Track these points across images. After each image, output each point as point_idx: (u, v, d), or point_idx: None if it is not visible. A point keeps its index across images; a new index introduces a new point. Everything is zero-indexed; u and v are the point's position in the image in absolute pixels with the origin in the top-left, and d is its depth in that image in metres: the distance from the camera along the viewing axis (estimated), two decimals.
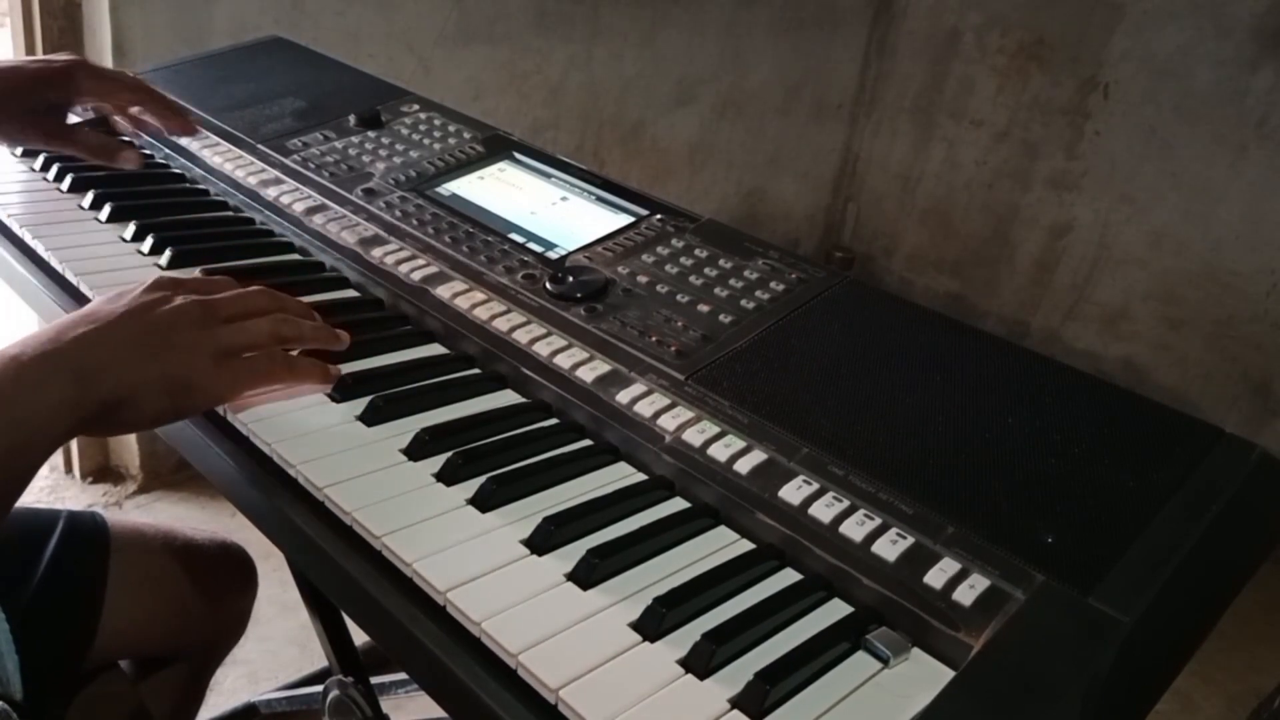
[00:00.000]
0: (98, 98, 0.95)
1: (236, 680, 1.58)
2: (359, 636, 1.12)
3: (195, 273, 0.78)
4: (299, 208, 0.91)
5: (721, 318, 0.74)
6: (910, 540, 0.56)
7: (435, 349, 0.77)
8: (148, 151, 1.05)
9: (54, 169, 0.97)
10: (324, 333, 0.70)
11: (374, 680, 1.13)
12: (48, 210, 0.92)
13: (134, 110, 0.95)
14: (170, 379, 0.60)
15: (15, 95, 0.90)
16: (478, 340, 0.75)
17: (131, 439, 1.95)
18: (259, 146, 1.01)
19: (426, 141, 1.02)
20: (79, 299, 0.80)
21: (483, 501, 0.60)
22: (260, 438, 0.64)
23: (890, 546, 0.56)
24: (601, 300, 0.77)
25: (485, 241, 0.85)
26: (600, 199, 0.92)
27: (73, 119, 0.99)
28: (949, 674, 0.51)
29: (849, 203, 3.30)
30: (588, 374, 0.70)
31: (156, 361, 0.59)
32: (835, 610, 0.55)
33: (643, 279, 0.80)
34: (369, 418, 0.66)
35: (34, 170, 0.99)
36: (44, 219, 0.89)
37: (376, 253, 0.84)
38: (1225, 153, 2.47)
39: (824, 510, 0.58)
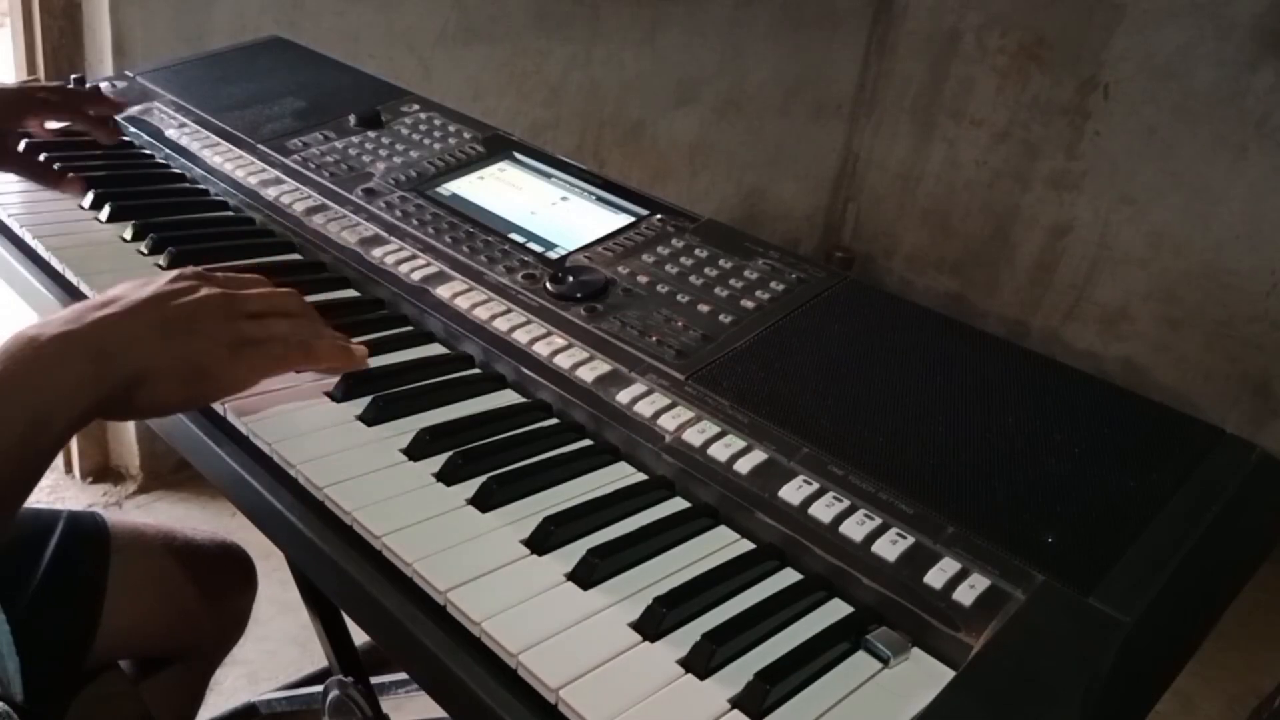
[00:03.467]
0: (46, 116, 0.98)
1: (236, 680, 1.58)
2: (359, 636, 1.12)
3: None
4: (299, 208, 0.91)
5: (721, 318, 0.74)
6: (910, 540, 0.56)
7: (435, 349, 0.77)
8: (147, 152, 1.05)
9: (55, 169, 0.97)
10: (342, 351, 0.70)
11: (374, 680, 1.13)
12: (48, 210, 0.92)
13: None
14: (187, 364, 0.61)
15: None
16: (478, 340, 0.75)
17: (132, 439, 1.95)
18: (259, 146, 1.01)
19: (426, 141, 1.02)
20: (79, 299, 0.80)
21: (483, 501, 0.60)
22: (260, 438, 0.64)
23: (890, 546, 0.56)
24: (601, 300, 0.77)
25: (485, 241, 0.85)
26: (600, 199, 0.92)
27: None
28: (949, 674, 0.51)
29: (849, 203, 3.30)
30: (588, 374, 0.70)
31: (174, 346, 0.60)
32: (835, 610, 0.55)
33: (643, 279, 0.80)
34: (369, 418, 0.66)
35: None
36: (44, 219, 0.89)
37: (376, 253, 0.84)
38: (1225, 153, 2.47)
39: (824, 510, 0.58)
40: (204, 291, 0.64)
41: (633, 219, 0.88)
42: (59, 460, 2.01)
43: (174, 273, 0.65)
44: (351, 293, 0.84)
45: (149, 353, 0.59)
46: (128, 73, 1.19)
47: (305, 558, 0.61)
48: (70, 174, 0.96)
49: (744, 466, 0.62)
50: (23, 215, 0.89)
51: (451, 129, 1.04)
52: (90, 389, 0.56)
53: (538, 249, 0.85)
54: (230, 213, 0.95)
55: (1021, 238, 2.90)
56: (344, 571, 0.56)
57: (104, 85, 1.15)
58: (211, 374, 0.62)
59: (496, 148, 1.00)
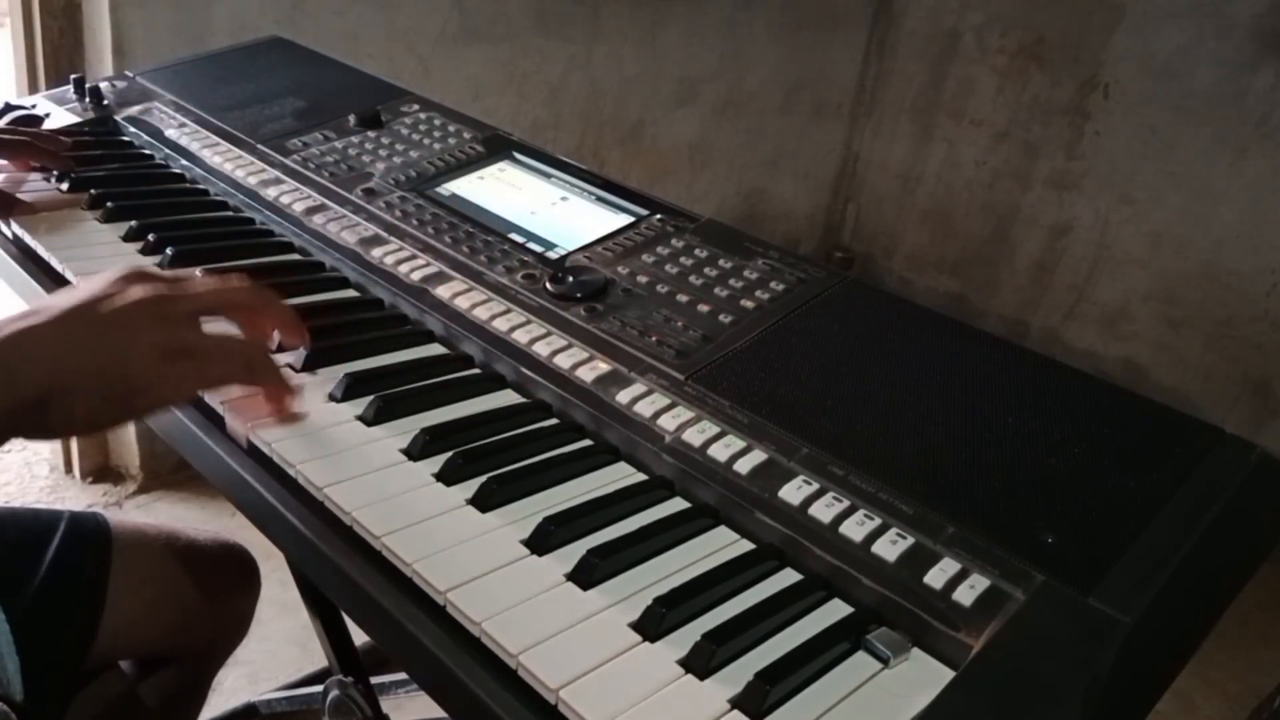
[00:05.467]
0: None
1: (236, 680, 1.58)
2: (359, 636, 1.12)
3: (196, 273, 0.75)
4: (299, 208, 0.91)
5: (721, 318, 0.74)
6: (910, 540, 0.56)
7: (435, 349, 0.77)
8: (147, 152, 1.05)
9: (25, 139, 0.97)
10: (281, 384, 0.64)
11: (374, 680, 1.13)
12: (47, 210, 0.91)
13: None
14: (106, 377, 0.54)
15: None
16: (478, 340, 0.75)
17: (132, 439, 1.95)
18: (259, 146, 1.01)
19: (426, 141, 1.02)
20: None
21: (483, 501, 0.60)
22: (260, 438, 0.63)
23: (890, 546, 0.56)
24: (601, 300, 0.77)
25: (485, 241, 0.85)
26: (600, 199, 0.92)
27: None
28: (949, 674, 0.51)
29: (849, 203, 3.30)
30: (588, 374, 0.70)
31: (93, 357, 0.54)
32: (835, 610, 0.55)
33: (643, 279, 0.80)
34: (369, 418, 0.66)
35: (33, 167, 0.99)
36: (43, 219, 0.89)
37: (376, 253, 0.84)
38: (1225, 153, 2.47)
39: (824, 510, 0.58)
40: (139, 292, 0.57)
41: (632, 219, 0.88)
42: (59, 460, 2.01)
43: (113, 272, 0.59)
44: (351, 293, 0.84)
45: (60, 367, 0.53)
46: (128, 73, 1.19)
47: (305, 558, 0.61)
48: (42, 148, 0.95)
49: (744, 466, 0.62)
50: (22, 215, 0.89)
51: (451, 129, 1.04)
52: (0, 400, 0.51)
53: (537, 249, 0.85)
54: (230, 213, 0.95)
55: (1021, 238, 2.90)
56: (344, 571, 0.56)
57: (104, 85, 1.15)
58: (137, 387, 0.55)
59: (496, 148, 1.00)
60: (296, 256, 0.89)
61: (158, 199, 0.97)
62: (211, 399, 0.66)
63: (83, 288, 0.58)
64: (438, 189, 0.94)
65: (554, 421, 0.70)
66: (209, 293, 0.61)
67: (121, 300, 0.57)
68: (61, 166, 0.96)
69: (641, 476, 0.65)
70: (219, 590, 1.02)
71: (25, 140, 0.96)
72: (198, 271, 0.71)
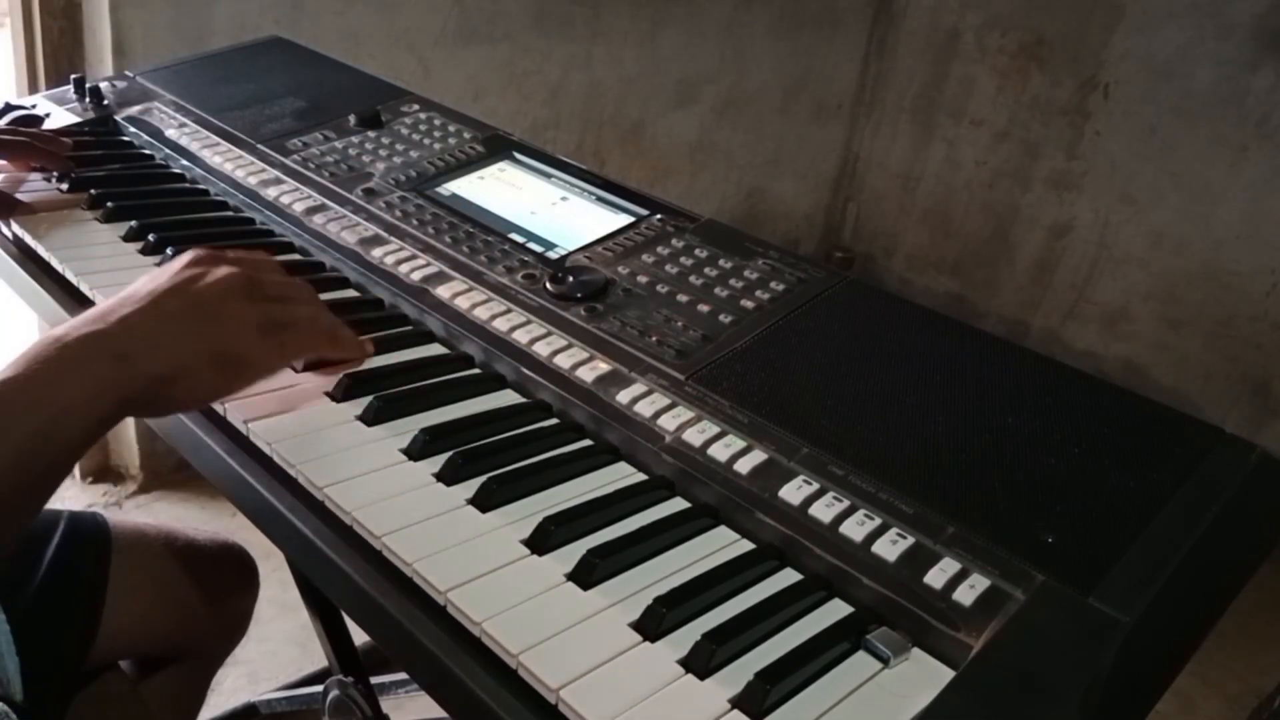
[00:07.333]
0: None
1: (236, 680, 1.58)
2: (359, 636, 1.12)
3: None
4: (299, 208, 0.91)
5: (721, 318, 0.74)
6: (910, 540, 0.56)
7: (435, 349, 0.77)
8: (147, 152, 1.05)
9: (27, 139, 0.97)
10: (358, 344, 0.72)
11: (374, 680, 1.13)
12: (47, 210, 0.91)
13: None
14: (221, 353, 0.60)
15: None
16: (478, 340, 0.75)
17: (132, 439, 1.95)
18: (259, 146, 1.01)
19: (426, 141, 1.02)
20: (79, 299, 0.80)
21: (483, 501, 0.60)
22: (260, 438, 0.63)
23: (890, 546, 0.56)
24: (601, 300, 0.77)
25: (485, 241, 0.85)
26: (600, 199, 0.92)
27: None
28: (949, 674, 0.51)
29: (849, 203, 3.30)
30: (588, 374, 0.70)
31: (204, 336, 0.59)
32: (835, 610, 0.55)
33: (643, 279, 0.80)
34: (369, 418, 0.66)
35: (33, 168, 0.99)
36: (44, 219, 0.89)
37: (376, 253, 0.84)
38: (1225, 153, 2.47)
39: (824, 510, 0.58)
40: (224, 272, 0.62)
41: (633, 219, 0.88)
42: None
43: (187, 256, 0.64)
44: (351, 293, 0.84)
45: (178, 349, 0.58)
46: (128, 73, 1.19)
47: (305, 558, 0.61)
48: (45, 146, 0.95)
49: (744, 466, 0.62)
50: (22, 215, 0.89)
51: (451, 129, 1.04)
52: (112, 392, 0.55)
53: (538, 249, 0.85)
54: (230, 213, 0.95)
55: (1021, 238, 2.90)
56: (344, 571, 0.56)
57: (104, 85, 1.15)
58: (244, 359, 0.61)
59: (496, 148, 1.00)
60: (297, 256, 0.89)
61: (158, 199, 0.97)
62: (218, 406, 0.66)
63: (163, 275, 0.62)
64: (438, 189, 0.94)
65: (554, 421, 0.70)
66: (278, 280, 0.67)
67: (214, 279, 0.62)
68: (62, 168, 0.96)
69: (642, 476, 0.65)
70: (218, 590, 1.02)
71: (26, 141, 0.96)
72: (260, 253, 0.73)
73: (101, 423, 0.56)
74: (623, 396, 0.68)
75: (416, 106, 1.09)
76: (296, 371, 0.70)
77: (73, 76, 1.15)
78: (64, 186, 0.95)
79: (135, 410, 0.58)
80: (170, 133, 1.05)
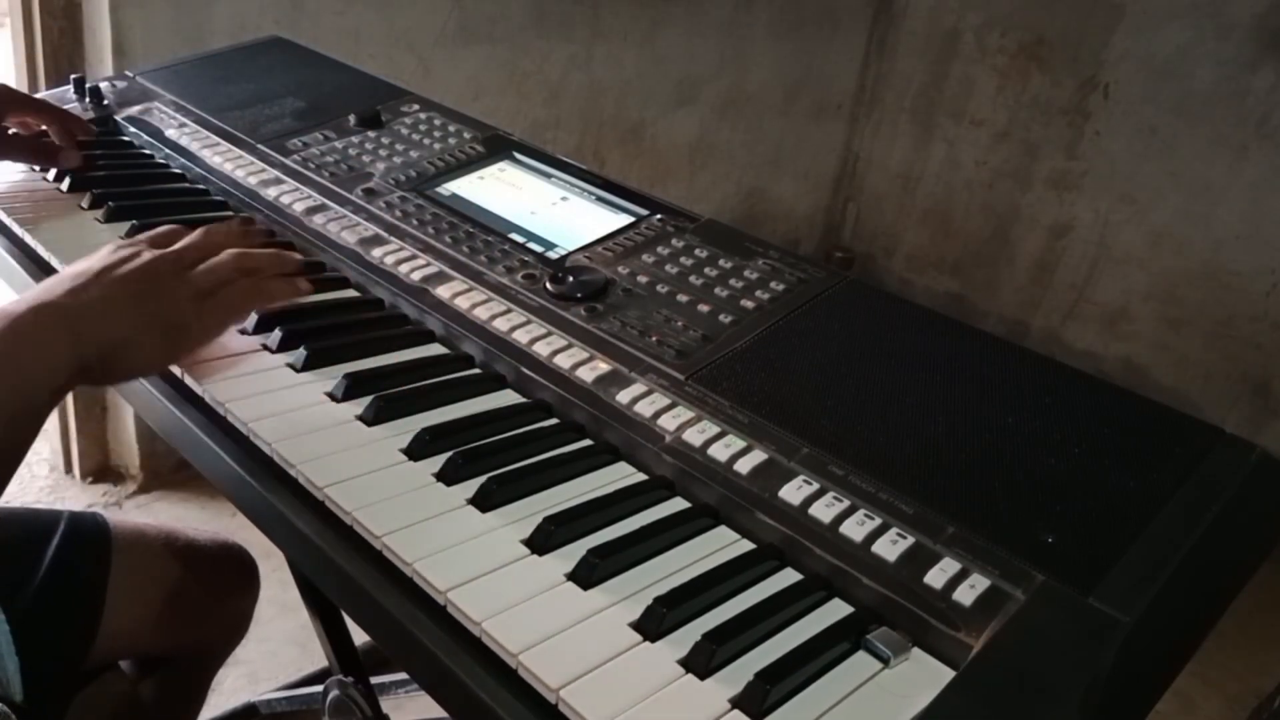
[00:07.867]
0: (27, 112, 0.99)
1: (236, 680, 1.58)
2: (359, 636, 1.12)
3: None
4: (299, 208, 0.91)
5: (721, 318, 0.74)
6: (910, 540, 0.56)
7: (435, 349, 0.77)
8: (147, 152, 1.05)
9: (44, 142, 0.97)
10: (280, 257, 0.74)
11: (374, 680, 1.13)
12: (47, 210, 0.91)
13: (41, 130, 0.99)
14: (164, 321, 0.64)
15: None
16: (478, 340, 0.75)
17: (132, 439, 1.95)
18: (259, 146, 1.01)
19: (426, 141, 1.02)
20: None
21: (483, 501, 0.60)
22: (260, 438, 0.64)
23: (890, 546, 0.56)
24: (601, 300, 0.77)
25: (485, 241, 0.85)
26: (600, 199, 0.92)
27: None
28: (949, 674, 0.51)
29: (849, 203, 3.30)
30: (588, 374, 0.70)
31: (148, 306, 0.63)
32: (835, 610, 0.55)
33: (643, 279, 0.80)
34: (369, 418, 0.66)
35: (34, 170, 0.99)
36: (44, 219, 0.89)
37: (376, 253, 0.84)
38: (1225, 153, 2.47)
39: (824, 510, 0.58)
40: (146, 256, 0.66)
41: (633, 219, 0.88)
42: (59, 460, 2.01)
43: (112, 244, 0.67)
44: (351, 293, 0.84)
45: (127, 315, 0.62)
46: (128, 73, 1.19)
47: (305, 558, 0.61)
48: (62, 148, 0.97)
49: (744, 466, 0.62)
50: (23, 215, 0.89)
51: (451, 129, 1.04)
52: (69, 358, 0.58)
53: (538, 249, 0.85)
54: (230, 213, 0.95)
55: (1021, 238, 2.90)
56: (344, 571, 0.56)
57: (104, 85, 1.15)
58: (185, 328, 0.65)
59: (496, 148, 1.00)
60: (298, 256, 0.89)
61: (158, 199, 0.97)
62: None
63: (93, 259, 0.65)
64: (438, 189, 0.94)
65: (554, 421, 0.70)
66: (202, 244, 0.70)
67: (142, 261, 0.65)
68: (70, 162, 0.96)
69: (642, 476, 0.65)
70: (218, 590, 1.02)
71: (27, 138, 0.96)
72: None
73: (57, 393, 0.58)
74: (623, 396, 0.68)
75: (416, 106, 1.09)
76: (247, 335, 0.73)
77: (73, 76, 1.15)
78: (64, 186, 0.95)
79: (89, 378, 0.60)
80: (170, 133, 1.05)
